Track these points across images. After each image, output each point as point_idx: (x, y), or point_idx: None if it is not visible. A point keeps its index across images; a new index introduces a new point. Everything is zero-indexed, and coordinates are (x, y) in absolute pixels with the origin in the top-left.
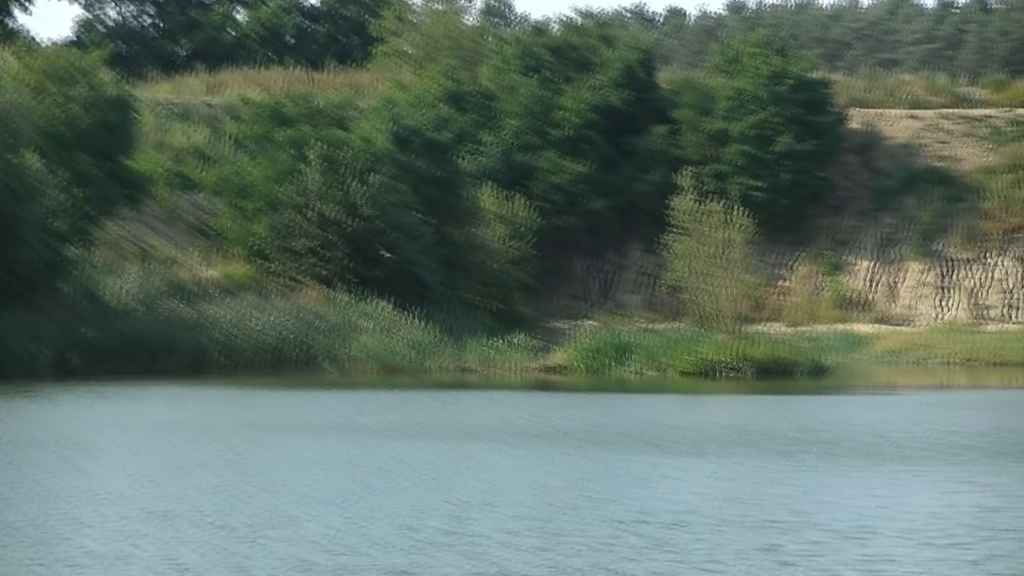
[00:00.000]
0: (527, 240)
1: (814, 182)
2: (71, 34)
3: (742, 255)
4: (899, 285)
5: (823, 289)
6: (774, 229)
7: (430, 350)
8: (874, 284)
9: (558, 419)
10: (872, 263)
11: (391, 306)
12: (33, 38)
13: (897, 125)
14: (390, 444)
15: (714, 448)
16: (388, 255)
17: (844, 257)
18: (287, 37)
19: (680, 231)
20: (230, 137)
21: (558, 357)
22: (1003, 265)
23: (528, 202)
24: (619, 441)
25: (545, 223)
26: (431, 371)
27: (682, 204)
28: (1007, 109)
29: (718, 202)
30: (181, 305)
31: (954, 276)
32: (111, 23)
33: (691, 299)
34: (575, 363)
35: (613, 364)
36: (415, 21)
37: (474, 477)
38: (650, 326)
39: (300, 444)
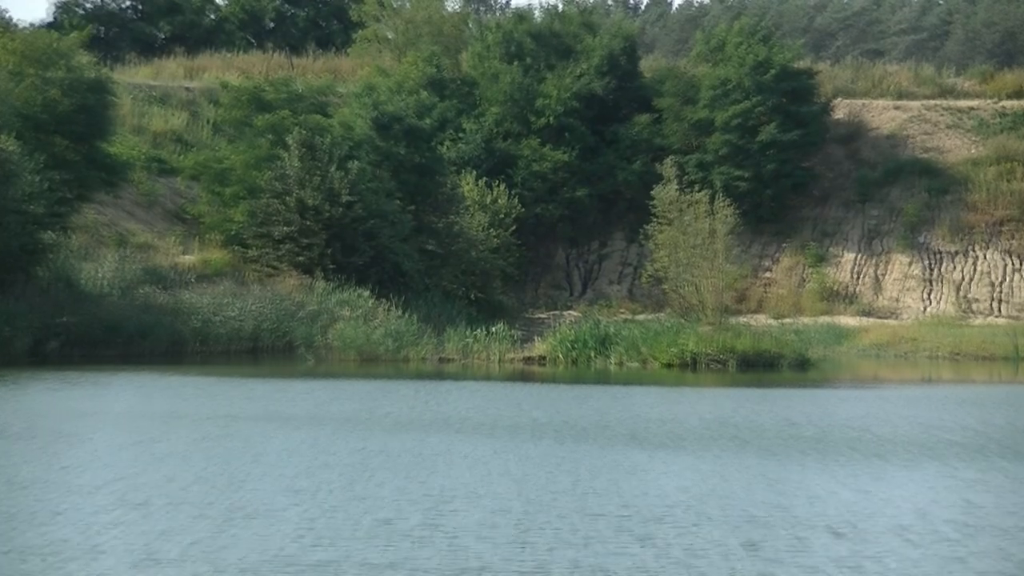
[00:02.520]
0: (508, 229)
1: (798, 172)
2: (49, 16)
3: (725, 246)
4: (884, 277)
5: (807, 281)
6: (758, 220)
7: (409, 339)
8: (859, 276)
9: (538, 411)
10: (857, 255)
11: (370, 294)
12: (11, 20)
13: (882, 116)
14: (367, 435)
15: (695, 442)
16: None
17: (828, 248)
18: (267, 21)
19: (663, 221)
20: (209, 122)
21: (539, 348)
22: (989, 258)
23: (509, 190)
24: (599, 434)
25: (526, 212)
26: (410, 360)
27: (665, 194)
28: (993, 101)
29: (701, 192)
30: (158, 291)
31: (940, 269)
32: (90, 5)
33: (674, 290)
34: (556, 354)
35: (594, 355)
36: (396, 6)
37: (452, 470)
38: (632, 317)
39: (276, 434)
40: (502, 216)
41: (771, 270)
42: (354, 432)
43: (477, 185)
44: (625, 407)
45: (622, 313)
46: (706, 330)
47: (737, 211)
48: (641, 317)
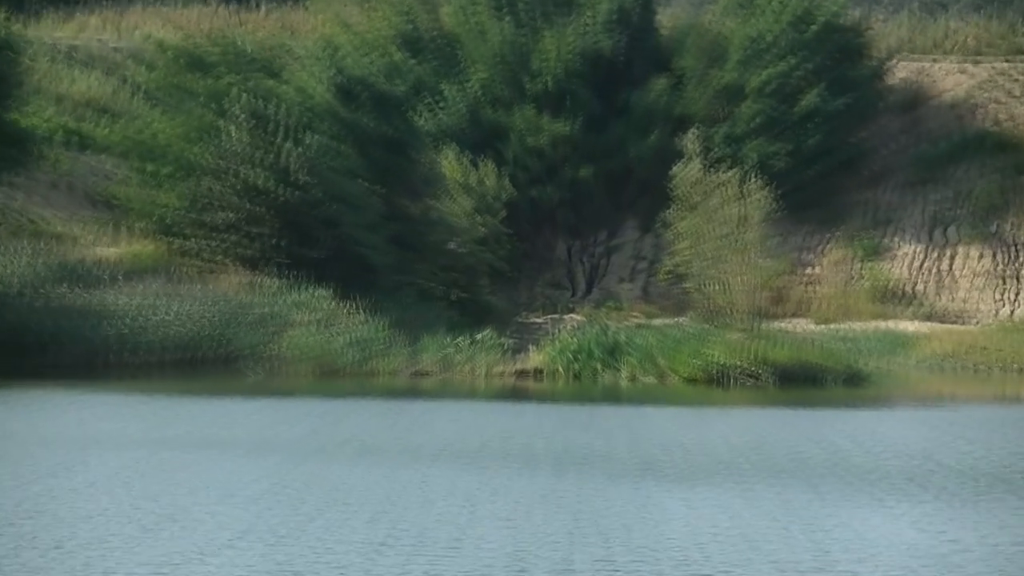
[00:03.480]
0: (497, 215)
1: (847, 148)
2: None
3: (759, 236)
4: (951, 274)
5: (858, 278)
6: (799, 204)
7: (377, 349)
8: (920, 273)
9: (533, 436)
10: (918, 247)
11: (330, 294)
12: None
13: (947, 80)
14: (325, 465)
15: (723, 474)
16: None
17: (883, 239)
18: None
19: (684, 206)
20: (138, 87)
21: (534, 359)
22: None
23: (499, 169)
24: (607, 464)
25: (519, 195)
26: (378, 374)
27: (686, 173)
28: None
29: (730, 171)
30: (75, 291)
31: (1017, 263)
32: None
33: (697, 289)
34: (555, 366)
35: (601, 368)
36: None
37: (428, 508)
38: (647, 321)
39: (215, 463)
40: (490, 200)
41: (815, 265)
42: (309, 461)
43: (460, 163)
44: (638, 432)
45: (635, 317)
46: (737, 337)
47: (774, 194)
48: (658, 322)
